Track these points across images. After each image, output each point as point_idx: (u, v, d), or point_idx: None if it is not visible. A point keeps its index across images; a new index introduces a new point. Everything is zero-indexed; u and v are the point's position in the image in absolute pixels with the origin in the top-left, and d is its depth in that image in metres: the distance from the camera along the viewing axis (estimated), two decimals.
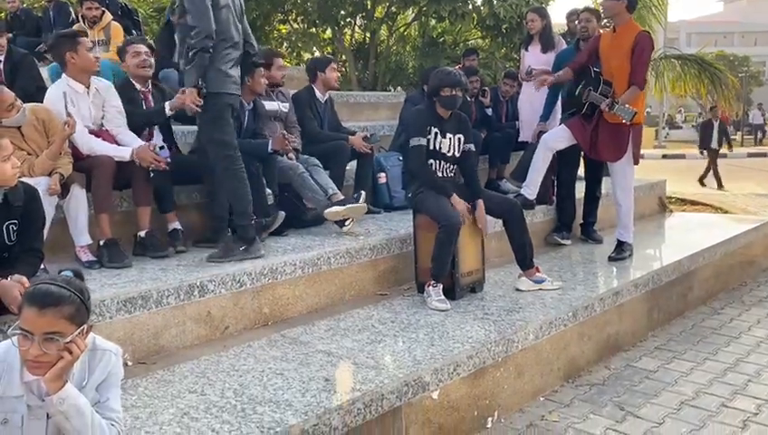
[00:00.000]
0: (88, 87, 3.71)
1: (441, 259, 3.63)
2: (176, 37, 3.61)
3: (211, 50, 3.40)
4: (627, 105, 4.27)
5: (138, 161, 3.58)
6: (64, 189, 3.38)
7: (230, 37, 3.57)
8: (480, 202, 3.83)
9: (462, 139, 3.92)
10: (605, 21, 5.23)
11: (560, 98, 5.29)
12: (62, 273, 1.71)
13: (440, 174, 3.88)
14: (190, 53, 3.40)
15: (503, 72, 7.99)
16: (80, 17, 5.96)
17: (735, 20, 57.76)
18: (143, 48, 4.04)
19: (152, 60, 4.08)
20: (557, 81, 4.84)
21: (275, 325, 3.39)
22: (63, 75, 3.70)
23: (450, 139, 3.87)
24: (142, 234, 3.68)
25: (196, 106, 3.46)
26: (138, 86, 4.05)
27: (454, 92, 3.78)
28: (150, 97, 4.08)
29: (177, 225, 3.85)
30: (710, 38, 41.36)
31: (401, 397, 2.62)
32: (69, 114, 3.53)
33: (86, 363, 1.74)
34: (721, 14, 64.72)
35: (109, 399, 1.76)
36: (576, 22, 5.20)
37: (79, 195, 3.44)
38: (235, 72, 3.64)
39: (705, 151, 13.32)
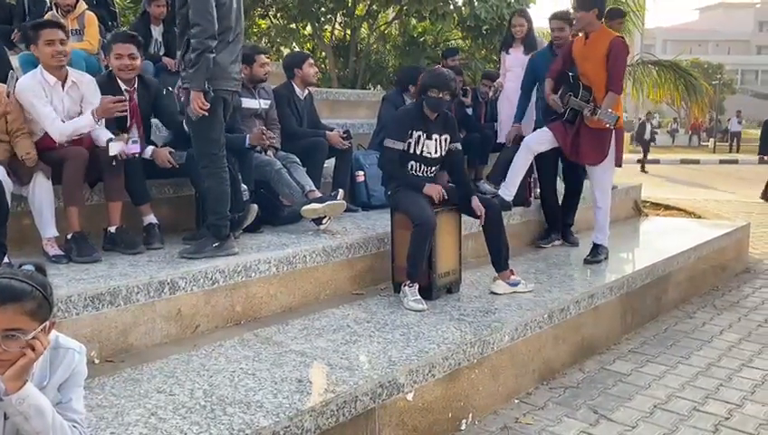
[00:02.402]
0: (63, 80, 3.60)
1: (416, 258, 3.61)
2: (176, 28, 3.50)
3: (215, 50, 3.31)
4: (609, 110, 4.29)
5: (98, 121, 3.50)
6: (25, 177, 3.30)
7: (233, 29, 3.47)
8: (475, 198, 3.84)
9: (448, 139, 3.90)
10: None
11: (534, 99, 5.27)
12: (23, 267, 1.63)
13: (420, 175, 3.86)
14: (193, 55, 3.28)
15: (482, 72, 7.99)
16: (53, 5, 5.82)
17: (710, 29, 58.84)
18: (128, 50, 3.80)
19: (137, 62, 3.87)
20: (549, 100, 4.64)
21: (248, 324, 3.33)
22: (39, 65, 3.60)
23: (436, 139, 3.85)
24: (112, 229, 3.59)
25: (203, 110, 3.35)
26: (122, 85, 3.85)
27: (441, 95, 3.73)
28: (135, 96, 3.91)
29: (152, 218, 3.75)
30: (685, 45, 41.98)
31: (375, 398, 2.58)
32: (9, 94, 3.45)
33: (47, 362, 1.67)
34: (696, 22, 65.90)
35: (71, 399, 1.69)
36: (550, 29, 5.17)
37: (43, 186, 3.35)
38: (236, 67, 3.55)
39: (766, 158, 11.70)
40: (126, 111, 3.59)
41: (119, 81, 3.85)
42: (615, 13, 6.01)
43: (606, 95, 4.34)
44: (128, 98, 3.86)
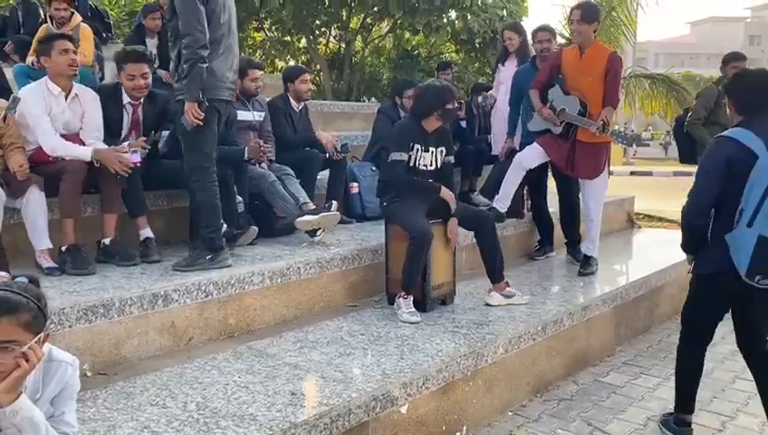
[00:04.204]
0: (67, 92, 3.62)
1: (411, 270, 3.61)
2: (169, 40, 3.48)
3: (207, 60, 3.26)
4: (624, 131, 4.35)
5: (96, 163, 3.47)
6: (18, 191, 3.30)
7: (225, 38, 3.46)
8: (454, 220, 3.85)
9: (443, 151, 3.93)
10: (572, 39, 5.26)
11: (521, 113, 5.28)
12: (17, 279, 1.64)
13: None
14: (185, 65, 3.24)
15: (473, 84, 8.02)
16: (48, 18, 5.84)
17: (701, 42, 59.47)
18: (141, 70, 3.79)
19: (149, 80, 3.86)
20: (545, 114, 4.57)
21: (241, 337, 3.32)
22: (45, 77, 3.64)
23: (433, 152, 3.88)
24: (107, 241, 3.58)
25: (198, 120, 3.30)
26: (126, 98, 3.86)
27: (456, 104, 3.86)
28: (140, 110, 3.90)
29: (148, 232, 3.73)
30: (677, 59, 42.39)
31: (369, 411, 2.58)
32: (6, 115, 3.43)
33: (40, 375, 1.66)
34: (687, 36, 66.60)
35: (64, 412, 1.69)
36: (535, 42, 5.20)
37: (37, 198, 3.35)
38: (231, 76, 3.54)
39: None
40: (129, 173, 3.55)
41: (124, 94, 3.86)
42: (735, 56, 5.46)
43: (604, 109, 4.36)
44: (131, 112, 3.89)
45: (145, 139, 3.76)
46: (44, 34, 3.92)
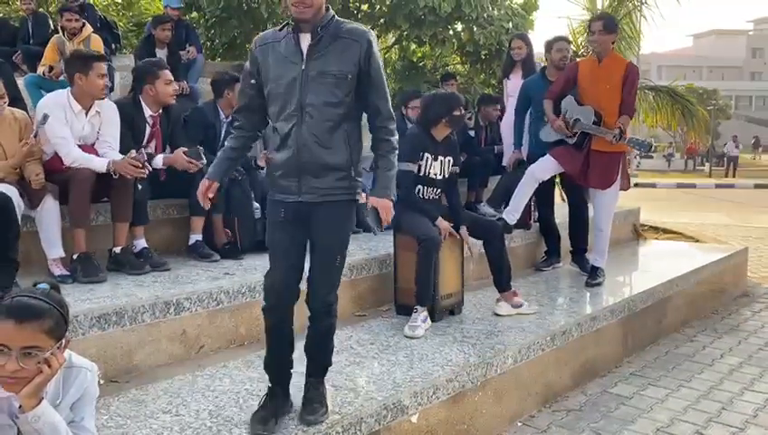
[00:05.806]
0: (87, 109, 3.65)
1: (424, 278, 3.60)
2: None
3: None
4: (637, 137, 4.36)
5: (114, 174, 3.49)
6: (36, 200, 3.32)
7: None
8: (463, 228, 3.88)
9: (451, 161, 3.95)
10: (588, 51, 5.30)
11: (527, 123, 5.30)
12: (39, 285, 1.66)
13: (426, 197, 3.90)
14: (390, 156, 2.64)
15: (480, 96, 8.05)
16: (59, 29, 5.90)
17: (704, 55, 59.62)
18: (171, 76, 4.01)
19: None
20: (555, 125, 4.60)
21: (252, 345, 3.33)
22: (67, 90, 3.66)
23: (441, 161, 3.90)
24: (117, 250, 3.60)
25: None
26: (149, 111, 3.94)
27: (462, 111, 3.87)
28: (159, 122, 3.99)
29: (143, 243, 3.74)
30: (680, 71, 42.44)
31: (380, 420, 2.59)
32: (37, 133, 3.46)
33: (60, 381, 1.68)
34: (690, 48, 66.78)
35: (84, 418, 1.71)
36: (554, 51, 5.22)
37: (52, 206, 3.38)
38: None
39: None
40: (144, 177, 3.62)
41: (144, 106, 3.93)
42: None
43: (620, 119, 4.37)
44: (151, 123, 3.97)
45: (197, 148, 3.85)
46: (82, 50, 3.99)
